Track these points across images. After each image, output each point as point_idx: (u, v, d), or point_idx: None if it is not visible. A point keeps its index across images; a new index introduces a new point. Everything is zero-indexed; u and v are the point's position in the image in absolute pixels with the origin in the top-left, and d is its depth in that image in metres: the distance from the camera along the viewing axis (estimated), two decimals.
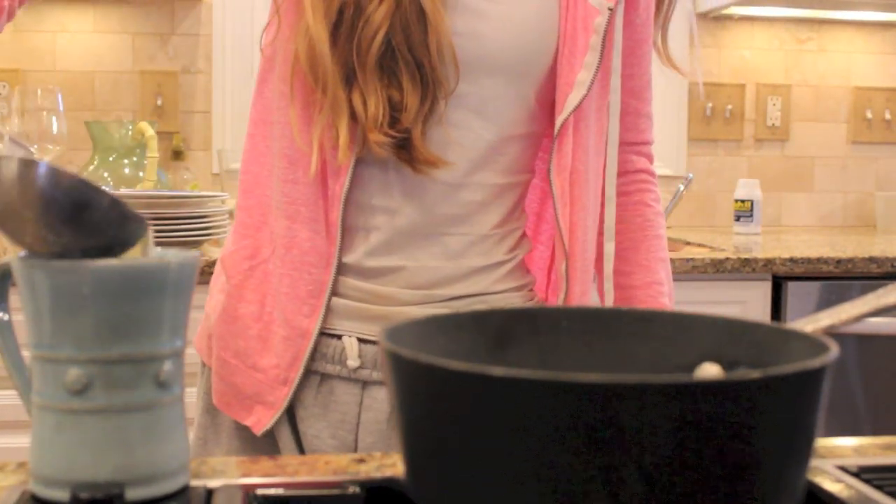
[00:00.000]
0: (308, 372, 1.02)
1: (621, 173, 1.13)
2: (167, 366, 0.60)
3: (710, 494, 0.46)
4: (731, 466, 0.46)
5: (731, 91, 3.04)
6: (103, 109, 2.74)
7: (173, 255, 0.62)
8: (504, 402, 0.46)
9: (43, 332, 0.59)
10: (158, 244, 0.63)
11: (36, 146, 2.01)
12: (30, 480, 0.61)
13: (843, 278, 2.28)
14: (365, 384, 1.02)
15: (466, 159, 0.99)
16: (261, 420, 1.03)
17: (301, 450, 1.03)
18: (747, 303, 2.26)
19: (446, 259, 1.01)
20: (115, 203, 0.60)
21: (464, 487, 0.48)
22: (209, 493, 0.62)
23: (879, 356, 2.30)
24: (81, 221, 0.59)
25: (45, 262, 0.58)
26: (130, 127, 2.45)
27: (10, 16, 1.03)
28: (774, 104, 3.06)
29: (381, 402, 1.01)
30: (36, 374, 0.60)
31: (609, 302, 1.09)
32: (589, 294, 1.06)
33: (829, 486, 0.65)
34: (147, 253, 0.62)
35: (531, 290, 1.09)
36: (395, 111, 0.94)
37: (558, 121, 0.99)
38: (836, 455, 0.74)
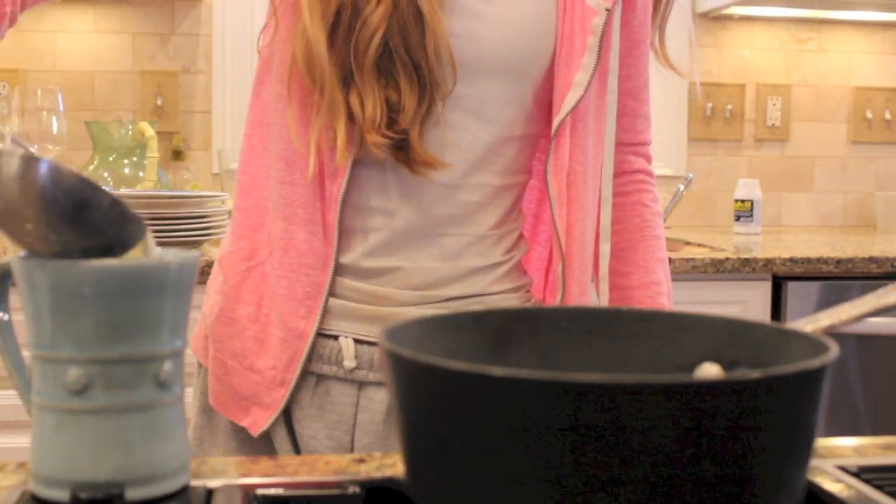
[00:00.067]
0: (304, 373, 1.02)
1: (619, 174, 1.13)
2: (167, 366, 0.60)
3: (710, 494, 0.46)
4: (731, 466, 0.46)
5: (731, 91, 3.04)
6: (103, 109, 2.74)
7: (173, 255, 0.62)
8: (504, 402, 0.46)
9: (43, 332, 0.59)
10: (158, 244, 0.63)
11: (36, 146, 2.01)
12: (30, 480, 0.61)
13: (843, 278, 2.28)
14: (361, 385, 1.02)
15: (464, 160, 1.00)
16: (257, 421, 1.03)
17: (297, 450, 1.03)
18: (747, 303, 2.26)
19: (443, 260, 1.01)
20: (116, 203, 0.60)
21: (464, 487, 0.48)
22: (209, 493, 0.62)
23: (879, 356, 2.30)
24: (82, 220, 0.59)
25: (45, 262, 0.58)
26: (130, 127, 2.45)
27: (12, 22, 1.03)
28: (774, 104, 3.06)
29: (377, 402, 1.01)
30: (36, 374, 0.60)
31: (605, 302, 1.09)
32: (587, 295, 1.06)
33: (829, 486, 0.65)
34: (147, 255, 0.62)
35: (528, 291, 1.09)
36: (392, 112, 0.94)
37: (555, 122, 0.99)
38: (836, 455, 0.74)
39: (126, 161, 2.46)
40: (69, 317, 0.58)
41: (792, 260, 2.23)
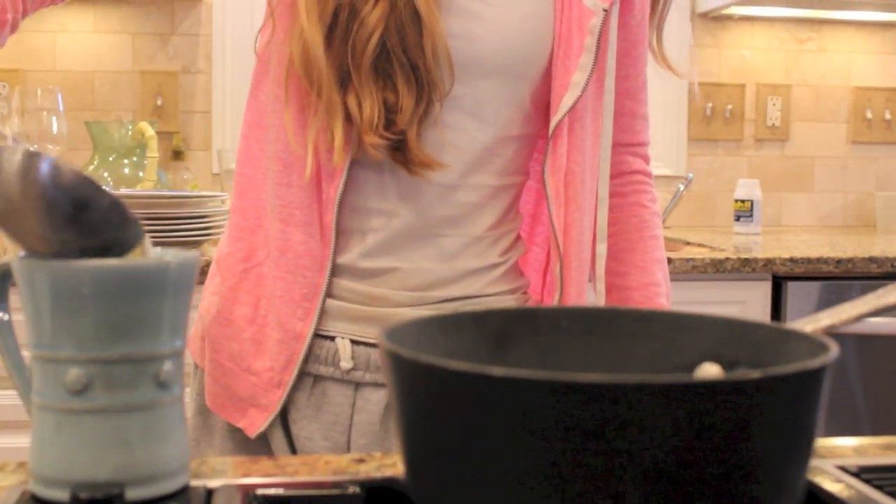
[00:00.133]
0: (301, 374, 1.01)
1: (617, 174, 1.13)
2: (167, 366, 0.60)
3: (710, 494, 0.46)
4: (731, 466, 0.46)
5: (731, 91, 3.04)
6: (103, 109, 2.74)
7: (173, 255, 0.62)
8: (504, 402, 0.46)
9: (43, 332, 0.59)
10: (158, 244, 0.63)
11: (36, 146, 2.01)
12: (30, 480, 0.61)
13: (843, 278, 2.27)
14: (358, 386, 1.02)
15: (461, 161, 0.99)
16: (254, 422, 1.03)
17: (293, 451, 1.03)
18: (747, 303, 2.26)
19: (441, 261, 1.01)
20: (116, 204, 0.60)
21: (464, 487, 0.48)
22: (209, 493, 0.62)
23: (879, 356, 2.30)
24: (81, 219, 0.59)
25: (45, 262, 0.58)
26: (130, 127, 2.45)
27: (14, 28, 1.03)
28: (774, 104, 3.06)
29: (373, 403, 1.01)
30: (36, 374, 0.60)
31: (601, 302, 1.09)
32: (584, 295, 1.06)
33: (829, 486, 0.65)
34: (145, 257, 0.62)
35: (525, 292, 1.09)
36: (390, 113, 0.94)
37: (553, 122, 0.99)
38: (836, 455, 0.74)
39: (126, 161, 2.46)
40: (69, 317, 0.58)
41: (792, 260, 2.23)
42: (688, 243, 2.56)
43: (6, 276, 0.65)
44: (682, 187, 2.84)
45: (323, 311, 1.01)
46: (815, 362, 0.48)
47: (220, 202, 2.12)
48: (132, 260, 0.61)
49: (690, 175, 2.87)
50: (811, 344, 0.54)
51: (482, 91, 0.99)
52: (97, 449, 0.58)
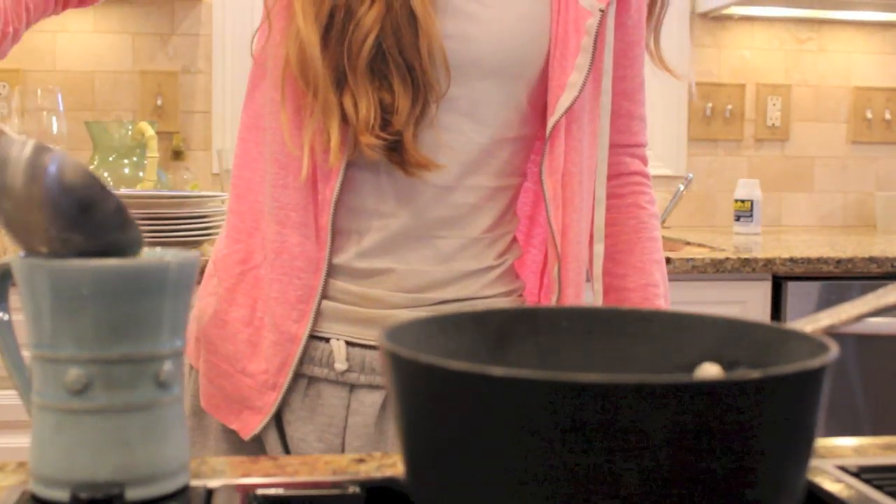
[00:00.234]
0: (296, 375, 1.01)
1: (615, 175, 1.12)
2: (167, 366, 0.60)
3: (709, 494, 0.46)
4: (731, 466, 0.46)
5: (731, 91, 3.04)
6: (103, 109, 2.74)
7: (173, 255, 0.62)
8: (504, 402, 0.46)
9: (43, 332, 0.59)
10: (158, 244, 0.64)
11: None
12: (30, 480, 0.61)
13: (843, 278, 2.27)
14: (352, 387, 1.01)
15: (458, 162, 0.99)
16: (248, 425, 1.03)
17: (287, 453, 1.03)
18: (747, 303, 2.26)
19: (436, 262, 1.01)
20: (120, 209, 0.60)
21: (464, 487, 0.48)
22: (209, 493, 0.62)
23: (879, 356, 2.30)
24: (84, 219, 0.59)
25: (45, 262, 0.58)
26: (130, 127, 2.45)
27: (15, 40, 1.03)
28: (774, 104, 3.06)
29: (368, 405, 1.01)
30: (36, 374, 0.60)
31: (599, 302, 1.09)
32: (582, 296, 1.06)
33: (829, 486, 0.65)
34: None
35: (520, 295, 1.09)
36: (386, 114, 0.94)
37: (550, 122, 0.99)
38: (836, 455, 0.74)
39: (126, 161, 2.46)
40: (69, 317, 0.58)
41: (792, 260, 2.23)
42: (688, 243, 2.56)
43: (6, 276, 0.65)
44: (682, 187, 2.84)
45: (318, 313, 1.00)
46: (815, 362, 0.48)
47: (220, 202, 2.12)
48: (132, 260, 0.61)
49: (690, 175, 2.87)
50: (811, 344, 0.54)
51: (478, 92, 0.99)
52: (97, 449, 0.58)
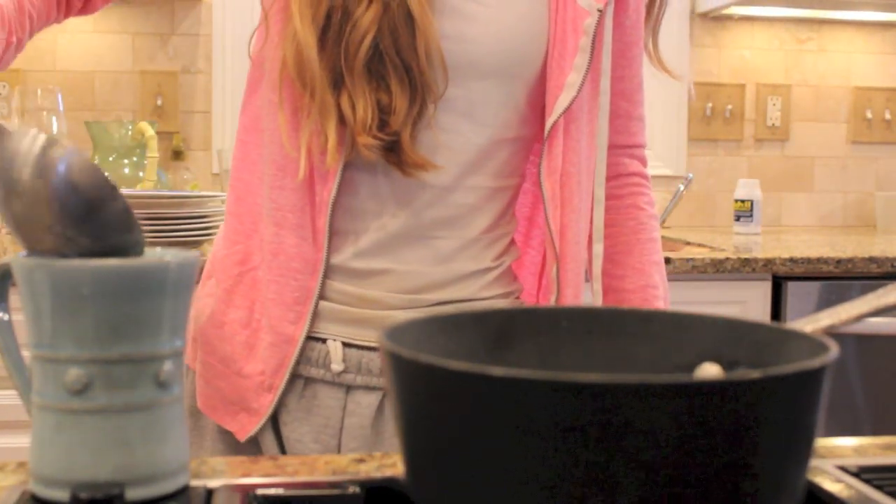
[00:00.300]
0: (292, 376, 1.01)
1: (614, 176, 1.12)
2: (167, 366, 0.60)
3: (710, 494, 0.46)
4: (730, 466, 0.46)
5: (731, 91, 3.04)
6: (103, 109, 2.74)
7: (173, 255, 0.62)
8: (504, 402, 0.46)
9: (43, 332, 0.59)
10: (158, 244, 0.64)
11: None
12: (30, 480, 0.61)
13: (843, 278, 2.28)
14: (349, 388, 1.01)
15: (456, 163, 0.99)
16: (244, 426, 1.02)
17: (283, 454, 1.03)
18: (747, 303, 2.26)
19: (435, 263, 1.01)
20: (127, 211, 0.60)
21: (464, 487, 0.48)
22: (209, 493, 0.62)
23: (879, 356, 2.30)
24: (89, 218, 0.59)
25: (45, 261, 0.58)
26: (130, 127, 2.45)
27: (19, 49, 1.03)
28: (774, 104, 3.06)
29: (364, 407, 1.01)
30: (36, 374, 0.60)
31: (598, 303, 1.09)
32: (581, 297, 1.06)
33: (829, 486, 0.65)
34: None
35: (518, 297, 1.09)
36: (383, 114, 0.94)
37: (548, 123, 0.99)
38: (836, 455, 0.74)
39: (126, 161, 2.46)
40: (69, 317, 0.58)
41: (792, 260, 2.23)
42: (688, 243, 2.56)
43: (6, 276, 0.65)
44: (682, 187, 2.84)
45: (315, 314, 1.00)
46: (815, 362, 0.48)
47: (220, 202, 2.12)
48: (132, 260, 0.61)
49: (690, 175, 2.87)
50: (811, 344, 0.54)
51: (476, 93, 0.98)
52: (97, 449, 0.58)
